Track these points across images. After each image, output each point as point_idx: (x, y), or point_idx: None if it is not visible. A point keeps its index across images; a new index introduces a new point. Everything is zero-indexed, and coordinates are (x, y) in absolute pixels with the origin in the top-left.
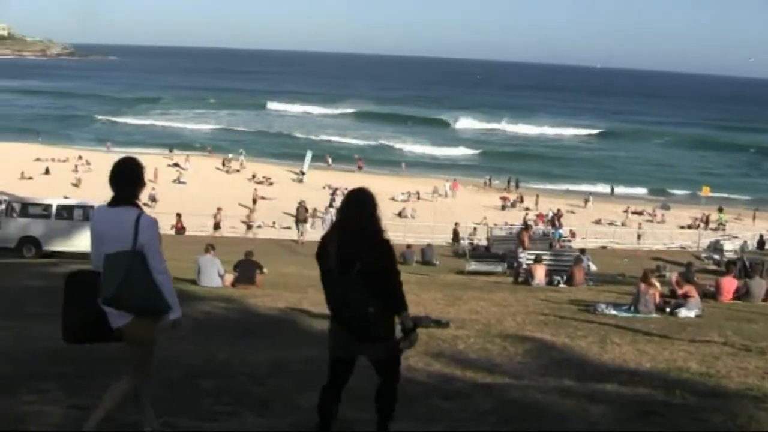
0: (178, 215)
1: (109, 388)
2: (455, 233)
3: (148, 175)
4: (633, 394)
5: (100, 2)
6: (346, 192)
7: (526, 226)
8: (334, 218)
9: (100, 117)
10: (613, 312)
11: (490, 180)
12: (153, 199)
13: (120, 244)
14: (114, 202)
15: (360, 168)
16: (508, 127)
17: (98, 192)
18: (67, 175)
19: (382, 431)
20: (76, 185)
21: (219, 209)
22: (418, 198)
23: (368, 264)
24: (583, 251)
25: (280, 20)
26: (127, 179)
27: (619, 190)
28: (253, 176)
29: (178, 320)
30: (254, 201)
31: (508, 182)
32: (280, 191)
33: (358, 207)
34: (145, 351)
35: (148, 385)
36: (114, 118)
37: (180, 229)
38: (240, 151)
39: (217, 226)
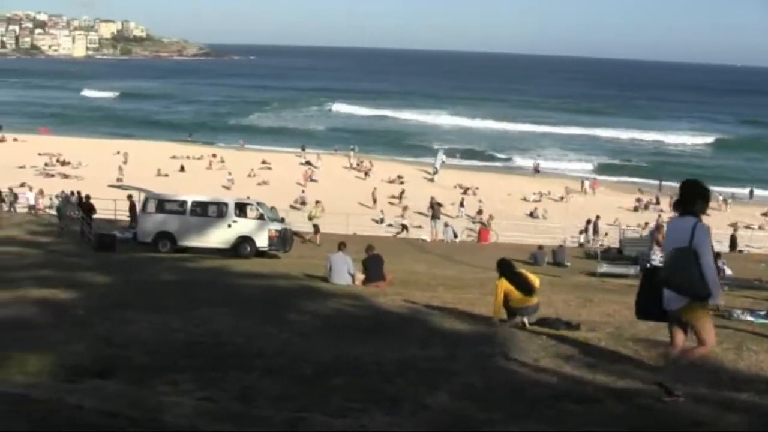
0: None
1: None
2: (595, 226)
3: (297, 179)
4: None
5: (233, 3)
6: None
7: (657, 227)
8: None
9: (231, 120)
10: (750, 318)
11: (660, 185)
12: (303, 202)
13: (680, 243)
14: (681, 212)
15: (537, 171)
16: (643, 134)
17: (247, 193)
18: (201, 172)
19: None
20: (227, 188)
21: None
22: (562, 198)
23: None
24: (718, 255)
25: (413, 20)
26: (689, 195)
27: (759, 193)
28: (365, 173)
29: (718, 305)
30: (374, 200)
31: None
32: (412, 190)
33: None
34: (699, 328)
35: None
36: (244, 118)
37: None
38: (351, 147)
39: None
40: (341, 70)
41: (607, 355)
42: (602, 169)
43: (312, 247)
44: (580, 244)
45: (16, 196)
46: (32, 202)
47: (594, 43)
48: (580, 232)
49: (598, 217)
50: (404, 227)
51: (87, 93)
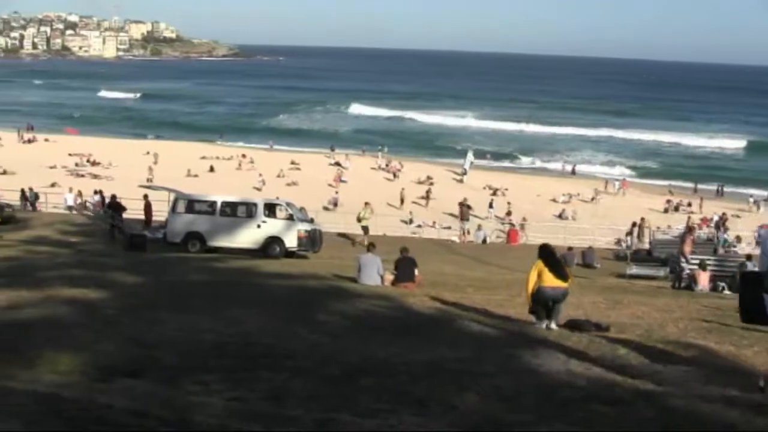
0: None
1: None
2: (640, 228)
3: (326, 179)
4: None
5: (263, 4)
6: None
7: (689, 230)
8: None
9: (263, 121)
10: None
11: (696, 188)
12: (335, 203)
13: None
14: None
15: (573, 173)
16: (674, 136)
17: (277, 194)
18: (231, 172)
19: None
20: (258, 189)
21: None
22: (591, 199)
23: None
24: (749, 257)
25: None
26: None
27: None
28: (394, 173)
29: None
30: (401, 201)
31: (717, 190)
32: (441, 191)
33: None
34: None
35: None
36: (273, 119)
37: None
38: (379, 147)
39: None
40: (366, 71)
41: (637, 357)
42: (632, 170)
43: (340, 248)
44: (627, 247)
45: (37, 196)
46: (71, 203)
47: (620, 43)
48: (626, 234)
49: (643, 219)
50: (466, 231)
51: (105, 93)
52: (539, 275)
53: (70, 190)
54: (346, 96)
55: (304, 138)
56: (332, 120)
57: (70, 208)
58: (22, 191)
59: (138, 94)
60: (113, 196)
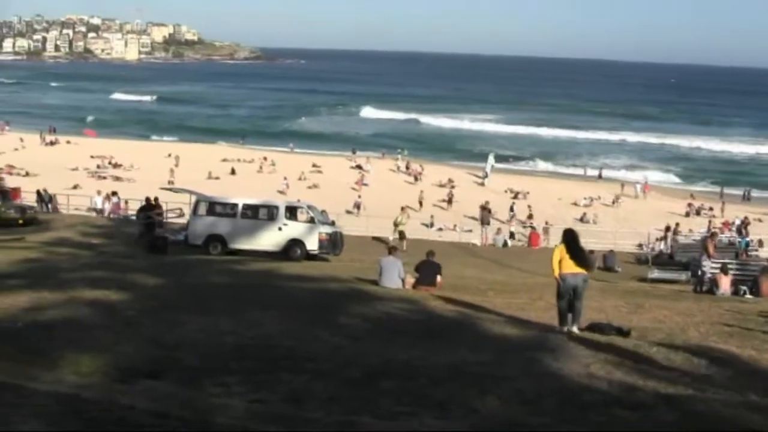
0: None
1: None
2: (674, 233)
3: (347, 182)
4: None
5: (285, 7)
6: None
7: (711, 234)
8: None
9: (285, 123)
10: None
11: (722, 192)
12: (357, 206)
13: None
14: None
15: (600, 177)
16: (698, 140)
17: (298, 196)
18: (252, 175)
19: None
20: (282, 192)
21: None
22: (613, 203)
23: None
24: None
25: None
26: None
27: None
28: (415, 177)
29: None
30: (420, 204)
31: (744, 195)
32: (462, 194)
33: None
34: None
35: None
36: (294, 121)
37: None
38: (399, 150)
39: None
40: (387, 74)
41: (658, 361)
42: (666, 173)
43: (362, 251)
44: (660, 251)
45: (51, 197)
46: (99, 206)
47: (633, 46)
48: (657, 240)
49: (677, 224)
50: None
51: (118, 96)
52: (560, 262)
53: (99, 193)
54: (366, 99)
55: (325, 141)
56: (353, 123)
57: (99, 211)
58: (38, 192)
59: (153, 97)
60: (147, 199)
